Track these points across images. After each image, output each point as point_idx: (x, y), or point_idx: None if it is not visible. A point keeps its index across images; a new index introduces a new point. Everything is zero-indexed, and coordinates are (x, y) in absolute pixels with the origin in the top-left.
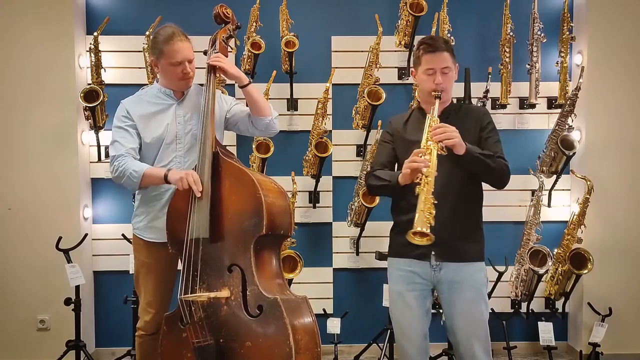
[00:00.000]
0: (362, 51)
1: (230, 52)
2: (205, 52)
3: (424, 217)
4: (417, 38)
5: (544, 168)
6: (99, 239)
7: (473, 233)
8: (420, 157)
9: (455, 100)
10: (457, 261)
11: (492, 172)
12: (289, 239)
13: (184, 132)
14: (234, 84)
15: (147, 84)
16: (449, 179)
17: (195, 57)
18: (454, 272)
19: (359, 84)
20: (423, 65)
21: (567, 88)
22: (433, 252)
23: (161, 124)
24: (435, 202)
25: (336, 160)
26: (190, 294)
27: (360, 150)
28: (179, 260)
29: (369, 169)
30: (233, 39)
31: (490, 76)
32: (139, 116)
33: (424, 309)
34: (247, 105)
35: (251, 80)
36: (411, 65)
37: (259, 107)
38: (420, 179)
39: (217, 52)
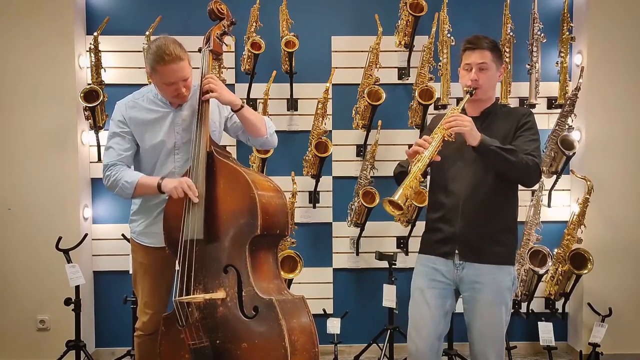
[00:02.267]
0: (362, 51)
1: (225, 49)
2: (199, 50)
3: (403, 191)
4: (417, 38)
5: (544, 168)
6: (99, 239)
7: (501, 235)
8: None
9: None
10: (481, 262)
11: (513, 167)
12: (288, 239)
13: (182, 142)
14: (233, 84)
15: (147, 84)
16: (478, 179)
17: (192, 59)
18: (476, 273)
19: (359, 84)
20: (463, 61)
21: (567, 88)
22: (457, 251)
23: (158, 133)
24: (422, 180)
25: (336, 160)
26: (186, 295)
27: (360, 150)
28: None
29: None
30: (228, 36)
31: None
32: (134, 124)
33: (443, 310)
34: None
35: (244, 104)
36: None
37: (254, 128)
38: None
39: (210, 75)
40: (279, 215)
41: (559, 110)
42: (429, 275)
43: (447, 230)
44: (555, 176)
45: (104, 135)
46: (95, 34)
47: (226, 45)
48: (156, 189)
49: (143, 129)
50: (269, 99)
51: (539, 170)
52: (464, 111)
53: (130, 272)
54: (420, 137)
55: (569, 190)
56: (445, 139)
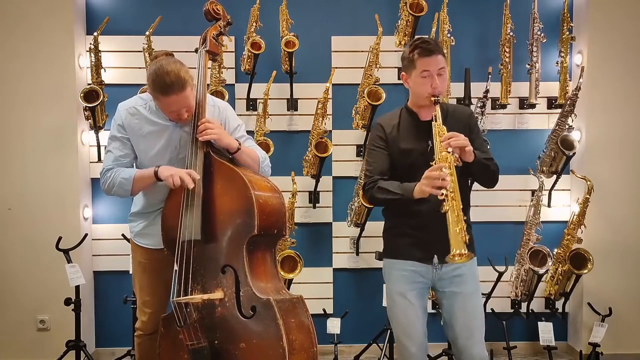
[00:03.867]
0: (362, 51)
1: (224, 50)
2: (196, 50)
3: (459, 238)
4: None
5: (544, 168)
6: (99, 239)
7: (468, 231)
8: (440, 172)
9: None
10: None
11: (492, 175)
12: (288, 239)
13: (178, 157)
14: (233, 84)
15: (147, 85)
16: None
17: (189, 58)
18: (455, 267)
19: (359, 84)
20: (418, 68)
21: (567, 88)
22: (435, 255)
23: (153, 147)
24: (465, 218)
25: (336, 160)
26: (184, 295)
27: (360, 150)
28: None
29: (367, 177)
30: (224, 36)
31: (490, 76)
32: (132, 133)
33: (423, 307)
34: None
35: (240, 146)
36: (401, 68)
37: (249, 167)
38: (445, 196)
39: (207, 119)
40: (277, 215)
41: (559, 110)
42: (408, 278)
43: (424, 237)
44: (555, 176)
45: (104, 135)
46: (95, 34)
47: (223, 45)
48: (153, 177)
49: (140, 140)
50: (269, 99)
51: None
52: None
53: (131, 272)
54: (370, 143)
55: (569, 190)
56: (455, 164)
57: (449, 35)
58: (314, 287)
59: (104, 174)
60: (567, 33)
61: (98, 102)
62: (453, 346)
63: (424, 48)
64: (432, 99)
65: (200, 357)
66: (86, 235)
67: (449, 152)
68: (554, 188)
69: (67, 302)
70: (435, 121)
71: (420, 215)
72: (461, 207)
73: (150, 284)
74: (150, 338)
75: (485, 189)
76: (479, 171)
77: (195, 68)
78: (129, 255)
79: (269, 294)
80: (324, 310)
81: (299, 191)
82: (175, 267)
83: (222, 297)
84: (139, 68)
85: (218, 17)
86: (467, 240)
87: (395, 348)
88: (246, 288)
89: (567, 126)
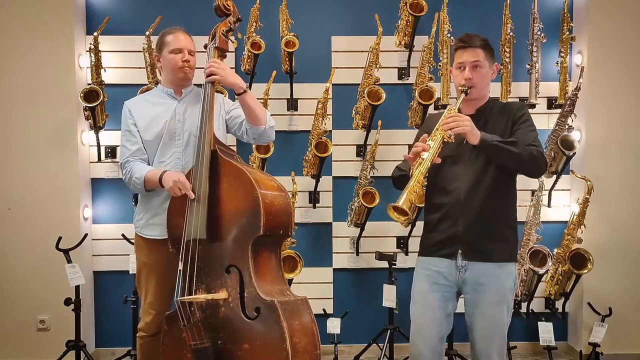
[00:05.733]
0: (362, 51)
1: (231, 48)
2: (205, 46)
3: (407, 196)
4: (417, 38)
5: None
6: (99, 239)
7: (502, 233)
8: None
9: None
10: (484, 261)
11: (518, 158)
12: (289, 239)
13: (183, 129)
14: None
15: (147, 84)
16: (477, 178)
17: (197, 57)
18: (480, 274)
19: (359, 84)
20: (455, 60)
21: (567, 88)
22: (460, 251)
23: (160, 122)
24: (425, 184)
25: (336, 160)
26: (188, 295)
27: (360, 150)
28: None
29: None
30: (233, 33)
31: None
32: (139, 114)
33: (445, 311)
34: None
35: (247, 89)
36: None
37: (254, 116)
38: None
39: (213, 59)
40: (282, 215)
41: (559, 110)
42: (430, 278)
43: (449, 231)
44: (555, 176)
45: (104, 135)
46: (95, 34)
47: (232, 42)
48: (159, 184)
49: (147, 118)
50: (269, 99)
51: (544, 159)
52: (459, 111)
53: (131, 272)
54: (416, 137)
55: (569, 190)
56: (445, 140)
57: (449, 35)
58: (314, 287)
59: (123, 167)
60: (567, 33)
61: (98, 102)
62: (471, 349)
63: (461, 40)
64: (460, 88)
65: (204, 357)
66: (86, 235)
67: (443, 129)
68: (554, 188)
69: (67, 302)
70: (453, 106)
71: (446, 208)
72: (425, 173)
73: (156, 285)
74: (153, 339)
75: None
76: (496, 155)
77: (203, 68)
78: (129, 255)
79: (273, 295)
80: (324, 310)
81: (299, 191)
82: (180, 267)
83: (226, 297)
84: (139, 68)
85: (228, 12)
86: (414, 203)
87: (395, 348)
88: (250, 289)
89: (567, 126)
